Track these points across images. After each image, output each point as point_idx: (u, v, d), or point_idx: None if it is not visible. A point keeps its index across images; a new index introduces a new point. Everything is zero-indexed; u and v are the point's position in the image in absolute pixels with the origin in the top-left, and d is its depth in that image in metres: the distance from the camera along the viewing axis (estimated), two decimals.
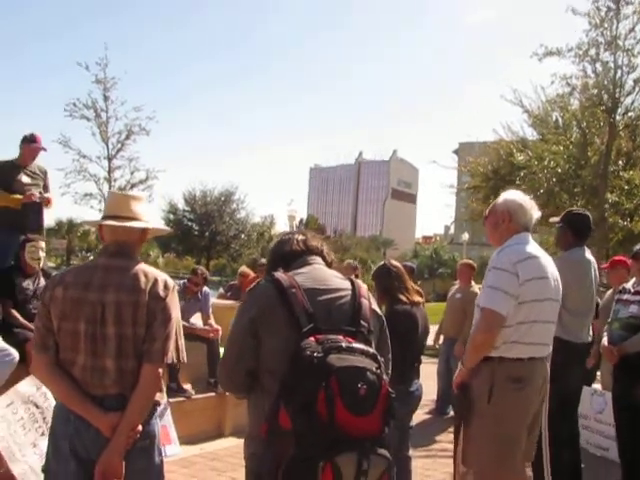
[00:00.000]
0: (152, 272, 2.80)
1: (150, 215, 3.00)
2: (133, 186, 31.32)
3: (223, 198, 57.19)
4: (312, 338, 2.26)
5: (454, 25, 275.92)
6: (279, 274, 2.48)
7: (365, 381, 2.17)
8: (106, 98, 30.85)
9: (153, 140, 38.43)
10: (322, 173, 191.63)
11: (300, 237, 2.74)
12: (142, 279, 2.73)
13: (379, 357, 2.31)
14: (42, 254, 6.34)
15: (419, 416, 6.81)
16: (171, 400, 6.19)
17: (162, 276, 2.82)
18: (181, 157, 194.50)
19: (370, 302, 2.55)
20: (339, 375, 2.13)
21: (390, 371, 2.67)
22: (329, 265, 2.72)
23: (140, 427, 2.70)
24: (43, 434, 4.73)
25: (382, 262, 5.13)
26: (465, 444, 3.64)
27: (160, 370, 2.73)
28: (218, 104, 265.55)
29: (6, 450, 4.57)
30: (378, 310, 2.63)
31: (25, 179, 6.83)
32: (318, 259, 2.68)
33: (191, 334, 7.21)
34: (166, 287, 2.77)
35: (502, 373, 3.50)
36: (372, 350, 2.32)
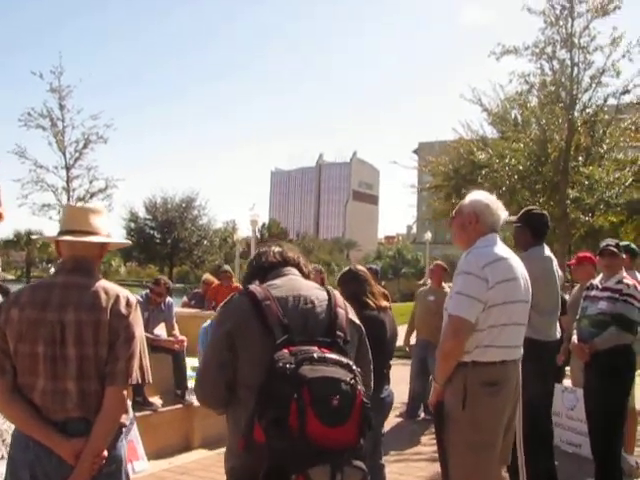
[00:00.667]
0: (113, 289, 2.67)
1: (109, 228, 2.86)
2: (92, 195, 30.90)
3: (184, 205, 56.67)
4: (285, 350, 2.24)
5: (418, 24, 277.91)
6: (253, 286, 2.47)
7: (338, 392, 2.14)
8: (62, 107, 30.36)
9: (111, 148, 38.00)
10: (283, 176, 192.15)
11: (277, 249, 2.73)
12: (103, 297, 2.60)
13: (354, 367, 2.27)
14: None
15: (390, 420, 6.74)
16: (137, 414, 6.05)
17: (124, 293, 2.69)
18: (140, 165, 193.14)
19: (347, 312, 2.53)
20: (311, 386, 2.10)
21: (372, 382, 2.70)
22: (306, 276, 2.72)
23: (105, 452, 2.57)
24: (2, 457, 4.58)
25: (347, 267, 5.07)
26: (443, 454, 3.58)
27: (125, 392, 2.61)
28: (175, 110, 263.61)
29: None
30: (356, 320, 2.61)
31: None
32: (294, 270, 2.67)
33: (156, 346, 7.10)
34: (128, 304, 2.65)
35: (476, 378, 3.42)
36: (346, 360, 2.27)
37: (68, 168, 30.41)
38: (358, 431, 2.18)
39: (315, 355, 2.21)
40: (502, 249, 3.62)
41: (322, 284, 8.17)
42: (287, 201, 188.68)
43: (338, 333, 2.41)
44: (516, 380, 3.61)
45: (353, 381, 2.21)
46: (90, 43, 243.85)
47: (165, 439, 6.67)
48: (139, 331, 2.67)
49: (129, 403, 2.75)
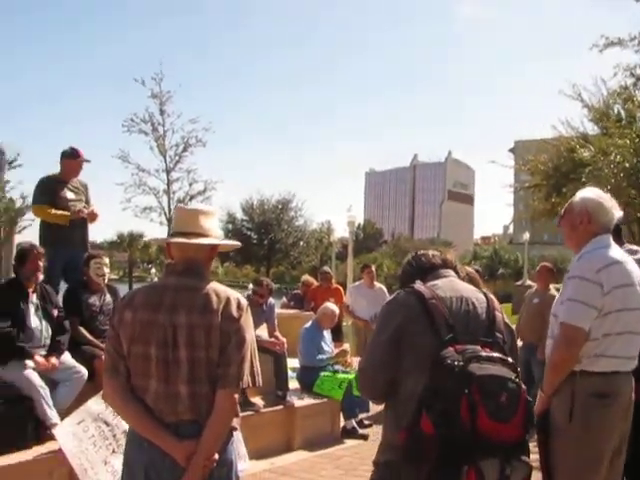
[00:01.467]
0: (224, 291, 2.65)
1: (219, 230, 2.87)
2: (192, 198, 31.75)
3: (280, 206, 57.44)
4: (451, 348, 2.36)
5: (516, 18, 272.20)
6: (418, 286, 2.58)
7: (505, 389, 2.27)
8: (162, 112, 31.42)
9: (210, 151, 38.93)
10: (378, 177, 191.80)
11: (436, 252, 2.87)
12: (214, 299, 2.59)
13: (517, 366, 2.42)
14: (107, 270, 6.34)
15: None
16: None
17: (235, 295, 2.67)
18: (238, 166, 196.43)
19: (502, 315, 2.63)
20: (480, 383, 2.22)
21: None
22: (461, 279, 2.80)
23: (216, 455, 2.56)
24: (114, 451, 4.71)
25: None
26: (546, 464, 3.39)
27: (236, 396, 2.60)
28: (272, 112, 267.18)
29: (79, 467, 4.58)
30: (509, 323, 2.71)
31: (69, 195, 6.86)
32: (453, 273, 2.77)
33: (258, 346, 7.13)
34: (239, 307, 2.62)
35: (584, 388, 3.20)
36: (511, 360, 2.41)
37: (168, 171, 31.41)
38: (523, 427, 2.30)
39: (482, 354, 2.33)
40: (617, 252, 3.38)
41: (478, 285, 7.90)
42: (382, 202, 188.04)
43: (497, 334, 2.53)
44: (629, 395, 3.34)
45: (518, 379, 2.33)
46: (189, 48, 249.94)
47: (266, 440, 6.68)
48: (250, 334, 2.66)
49: (239, 409, 2.74)
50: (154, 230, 33.28)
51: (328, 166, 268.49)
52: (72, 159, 6.93)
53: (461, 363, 2.27)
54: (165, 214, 31.63)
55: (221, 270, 72.99)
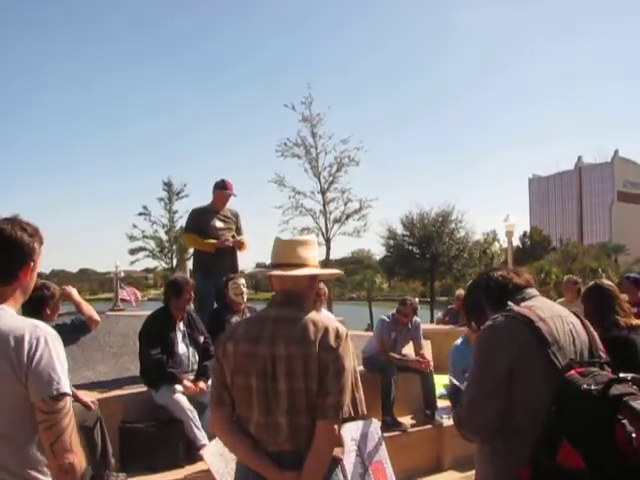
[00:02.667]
0: (322, 321, 2.65)
1: (317, 259, 2.87)
2: (348, 217, 32.30)
3: (440, 219, 56.71)
4: (574, 371, 2.21)
5: None
6: (519, 308, 2.45)
7: None
8: (314, 134, 32.24)
9: (364, 169, 39.41)
10: (541, 182, 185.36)
11: (512, 272, 2.73)
12: (311, 330, 2.59)
13: None
14: (244, 289, 6.59)
15: None
16: (386, 434, 6.05)
17: (333, 325, 2.66)
18: (395, 182, 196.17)
19: (596, 333, 2.55)
20: (629, 406, 2.04)
21: None
22: None
23: None
24: None
25: (592, 282, 4.67)
26: None
27: (336, 426, 2.57)
28: (426, 124, 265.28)
29: None
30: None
31: (218, 224, 7.19)
32: (537, 292, 2.66)
33: (404, 366, 7.12)
34: (337, 336, 2.60)
35: None
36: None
37: (323, 192, 32.13)
38: None
39: (620, 375, 2.14)
40: None
41: (578, 295, 7.74)
42: (547, 208, 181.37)
43: (600, 353, 2.43)
44: None
45: None
46: (335, 70, 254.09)
47: (415, 460, 6.60)
48: (349, 363, 2.62)
49: (347, 436, 2.73)
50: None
51: (488, 175, 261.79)
52: (221, 190, 7.31)
53: (599, 387, 2.08)
54: (323, 234, 32.39)
55: (386, 286, 73.18)
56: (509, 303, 2.51)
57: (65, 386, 2.11)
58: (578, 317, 2.53)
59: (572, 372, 2.20)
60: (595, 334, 2.48)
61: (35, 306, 4.27)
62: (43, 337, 2.11)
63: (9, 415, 2.10)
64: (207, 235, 7.14)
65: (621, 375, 2.12)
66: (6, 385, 2.07)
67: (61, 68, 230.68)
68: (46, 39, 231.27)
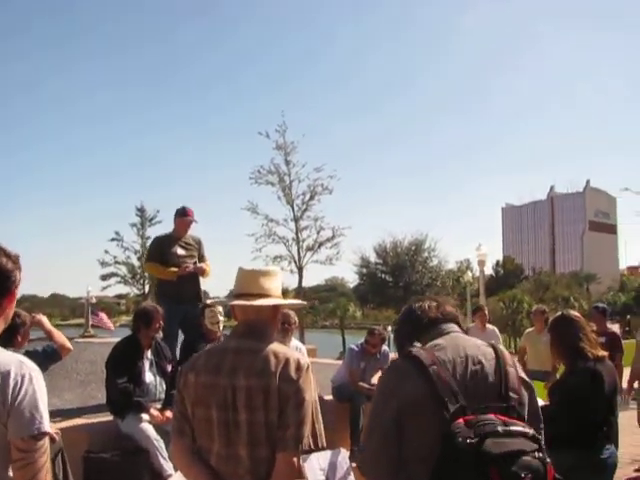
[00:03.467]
0: (283, 353, 2.64)
1: (280, 290, 2.86)
2: (320, 245, 32.36)
3: (413, 247, 57.16)
4: (461, 420, 2.07)
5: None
6: (416, 350, 2.32)
7: (529, 468, 1.96)
8: (287, 162, 32.36)
9: (336, 196, 39.60)
10: (514, 211, 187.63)
11: (433, 303, 2.58)
12: (272, 361, 2.59)
13: (538, 437, 2.09)
14: (221, 318, 6.56)
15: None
16: (354, 464, 6.02)
17: (294, 356, 2.65)
18: (367, 210, 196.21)
19: (517, 370, 2.34)
20: (499, 464, 1.94)
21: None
22: (464, 332, 2.53)
23: None
24: None
25: (559, 312, 4.72)
26: None
27: (295, 459, 2.55)
28: (399, 152, 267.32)
29: None
30: (526, 378, 2.40)
31: (179, 251, 7.20)
32: (455, 326, 2.51)
33: (373, 395, 7.11)
34: (298, 368, 2.60)
35: None
36: (531, 431, 2.08)
37: (297, 220, 32.18)
38: None
39: (499, 428, 2.02)
40: None
41: (545, 324, 7.79)
42: (520, 236, 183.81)
43: (512, 395, 2.22)
44: None
45: (541, 454, 2.02)
46: (309, 98, 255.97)
47: None
48: (310, 395, 2.61)
49: (307, 467, 2.73)
50: (286, 278, 34.18)
51: (461, 204, 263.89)
52: (182, 217, 7.32)
53: (474, 440, 1.97)
54: (295, 262, 32.38)
55: (359, 314, 73.18)
56: (415, 342, 2.43)
57: (46, 425, 2.09)
58: (496, 354, 2.35)
59: (459, 421, 2.07)
60: (512, 372, 2.29)
61: (6, 334, 4.23)
62: (28, 374, 2.08)
63: None
64: (169, 263, 7.13)
65: (500, 429, 2.02)
66: None
67: (40, 89, 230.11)
68: (31, 59, 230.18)
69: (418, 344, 2.40)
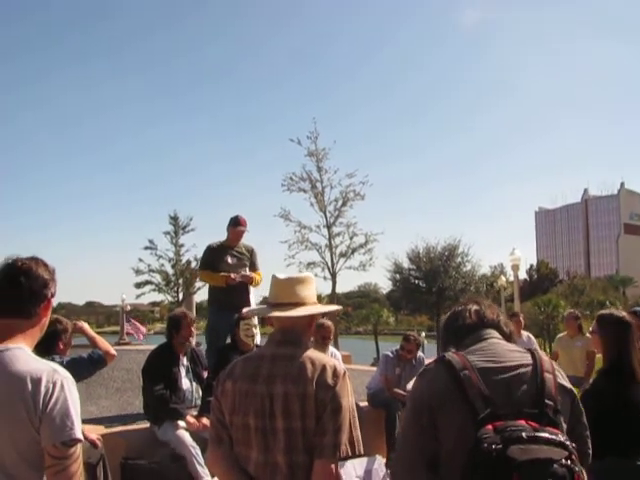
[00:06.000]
0: (320, 359, 2.64)
1: (315, 297, 2.85)
2: (354, 251, 32.31)
3: (447, 253, 56.66)
4: (490, 426, 2.04)
5: None
6: (450, 354, 2.30)
7: (554, 476, 1.91)
8: (320, 169, 32.40)
9: (369, 202, 39.50)
10: (548, 215, 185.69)
11: (474, 308, 2.55)
12: (309, 368, 2.59)
13: (569, 444, 2.02)
14: (256, 331, 6.55)
15: None
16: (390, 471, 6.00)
17: (331, 363, 2.65)
18: (401, 215, 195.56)
19: (555, 376, 2.28)
20: (521, 471, 1.89)
21: (590, 450, 2.39)
22: (507, 337, 2.49)
23: None
24: None
25: (616, 312, 4.31)
26: None
27: (332, 466, 2.54)
28: (432, 156, 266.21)
29: None
30: (567, 384, 2.34)
31: (230, 260, 7.27)
32: (494, 332, 2.48)
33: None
34: (335, 375, 2.59)
35: None
36: (560, 438, 2.02)
37: (329, 226, 32.17)
38: None
39: (524, 434, 1.98)
40: None
41: (579, 330, 7.54)
42: (554, 240, 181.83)
43: (547, 402, 2.17)
44: None
45: (569, 462, 1.95)
46: (341, 105, 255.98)
47: None
48: (347, 402, 2.60)
49: (343, 473, 2.71)
50: (319, 284, 34.22)
51: (494, 208, 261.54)
52: (234, 227, 7.41)
53: (499, 446, 1.94)
54: (329, 269, 32.39)
55: (392, 320, 72.94)
56: (449, 346, 2.43)
57: (78, 432, 2.12)
58: (534, 359, 2.30)
59: (488, 427, 2.04)
60: (549, 379, 2.24)
61: (48, 341, 4.29)
62: (60, 381, 2.13)
63: (19, 458, 2.11)
64: (219, 271, 7.25)
65: (525, 434, 1.98)
66: (20, 428, 2.09)
67: (70, 103, 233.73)
68: (50, 76, 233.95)
69: (453, 350, 2.38)
